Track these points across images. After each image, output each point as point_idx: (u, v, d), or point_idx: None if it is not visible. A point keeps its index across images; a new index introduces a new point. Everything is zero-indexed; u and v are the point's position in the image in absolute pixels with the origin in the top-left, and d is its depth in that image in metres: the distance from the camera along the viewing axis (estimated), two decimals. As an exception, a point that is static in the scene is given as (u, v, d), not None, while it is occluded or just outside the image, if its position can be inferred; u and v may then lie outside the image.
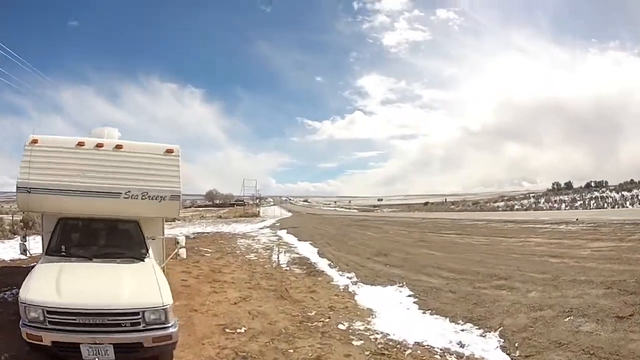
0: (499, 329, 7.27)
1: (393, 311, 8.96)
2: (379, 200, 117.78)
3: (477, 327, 7.56)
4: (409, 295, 9.87)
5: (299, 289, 10.97)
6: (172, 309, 5.74)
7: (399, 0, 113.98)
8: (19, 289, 5.73)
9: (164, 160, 7.35)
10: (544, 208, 54.01)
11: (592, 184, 66.61)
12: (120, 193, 7.01)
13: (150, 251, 7.23)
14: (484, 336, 7.20)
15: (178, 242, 8.05)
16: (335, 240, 21.54)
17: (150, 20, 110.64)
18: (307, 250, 18.53)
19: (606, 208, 44.73)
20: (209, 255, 16.41)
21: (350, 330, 7.78)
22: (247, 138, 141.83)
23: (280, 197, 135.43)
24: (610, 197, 53.22)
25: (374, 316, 8.62)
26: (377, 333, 7.64)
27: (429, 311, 8.69)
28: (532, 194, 72.92)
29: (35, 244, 8.66)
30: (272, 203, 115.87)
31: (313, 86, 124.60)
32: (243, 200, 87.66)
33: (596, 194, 57.22)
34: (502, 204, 67.29)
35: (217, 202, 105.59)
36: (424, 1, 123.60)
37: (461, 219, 30.48)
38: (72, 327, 5.26)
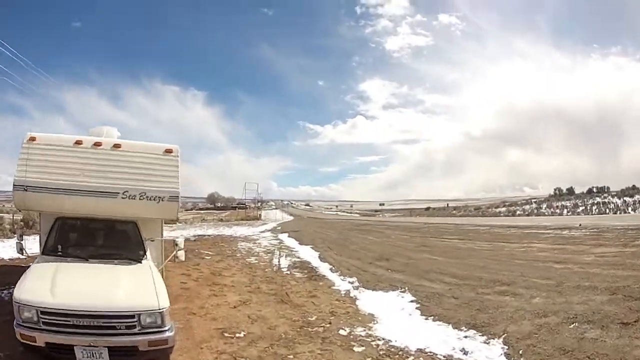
0: (503, 336, 7.15)
1: (395, 317, 8.83)
2: (380, 204, 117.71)
3: (480, 333, 7.43)
4: (411, 301, 9.73)
5: (300, 293, 10.84)
6: (168, 312, 5.63)
7: (401, 5, 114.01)
8: None
9: (163, 161, 7.23)
10: (546, 214, 53.98)
11: (594, 190, 66.57)
12: (118, 193, 6.89)
13: (148, 253, 7.11)
14: (487, 343, 7.08)
15: (177, 244, 7.92)
16: (336, 245, 21.43)
17: (153, 23, 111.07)
18: (308, 254, 18.40)
19: (608, 214, 44.72)
20: (209, 258, 16.30)
21: (351, 336, 7.66)
22: (249, 141, 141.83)
23: (281, 200, 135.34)
24: (612, 202, 53.23)
25: (375, 322, 8.49)
26: (378, 339, 7.52)
27: (432, 317, 8.55)
28: (534, 200, 72.98)
29: (35, 244, 8.56)
30: (273, 207, 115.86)
31: (315, 90, 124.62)
32: (244, 204, 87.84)
33: (598, 199, 57.28)
34: (503, 209, 67.33)
35: (219, 205, 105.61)
36: (426, 6, 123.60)
37: (463, 224, 30.43)
38: (66, 329, 5.16)
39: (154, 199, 7.01)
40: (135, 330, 5.37)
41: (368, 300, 10.09)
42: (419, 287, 10.79)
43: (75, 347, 5.15)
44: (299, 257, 17.39)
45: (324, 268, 14.66)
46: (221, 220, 52.77)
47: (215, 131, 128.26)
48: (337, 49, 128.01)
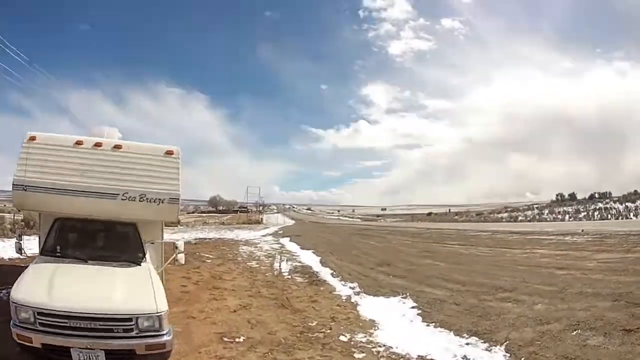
0: (505, 343, 7.09)
1: (396, 323, 8.77)
2: (382, 209, 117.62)
3: (482, 340, 7.37)
4: (413, 307, 9.67)
5: (301, 298, 10.79)
6: (167, 316, 5.58)
7: (404, 9, 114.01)
8: None
9: (163, 162, 7.18)
10: (548, 219, 53.88)
11: (596, 196, 66.32)
12: (118, 194, 6.85)
13: (147, 255, 7.06)
14: (489, 350, 7.02)
15: (177, 247, 7.86)
16: (338, 249, 21.33)
17: (158, 26, 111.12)
18: (309, 258, 18.31)
19: (610, 219, 44.62)
20: (210, 261, 16.25)
21: (352, 342, 7.61)
22: (252, 145, 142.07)
23: (283, 204, 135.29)
24: (614, 208, 53.12)
25: (376, 328, 8.44)
26: (379, 346, 7.46)
27: (433, 323, 8.49)
28: (536, 205, 72.74)
29: (35, 244, 8.51)
30: (275, 210, 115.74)
31: (318, 94, 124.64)
32: (246, 207, 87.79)
33: (600, 205, 57.12)
34: (505, 215, 67.19)
35: (221, 208, 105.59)
36: (429, 10, 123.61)
37: (465, 230, 30.33)
38: (63, 330, 5.13)
39: (154, 201, 6.96)
40: (133, 333, 5.33)
41: (369, 306, 10.03)
42: (420, 293, 10.72)
43: (71, 349, 5.11)
44: (300, 262, 17.31)
45: (325, 273, 14.59)
46: (223, 223, 52.70)
47: (218, 134, 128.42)
48: (340, 52, 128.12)
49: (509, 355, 6.73)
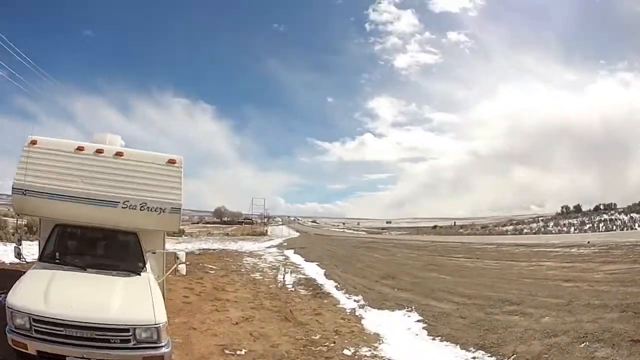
0: (513, 357, 6.96)
1: (401, 337, 8.64)
2: (387, 222, 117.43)
3: (489, 354, 7.24)
4: (418, 320, 9.54)
5: (304, 311, 10.66)
6: (165, 327, 5.46)
7: (411, 23, 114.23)
8: None
9: (165, 171, 7.11)
10: (553, 232, 53.74)
11: (601, 207, 65.95)
12: (118, 202, 6.76)
13: (148, 265, 6.95)
14: (496, 364, 6.90)
15: (178, 258, 7.75)
16: (342, 262, 21.27)
17: (164, 35, 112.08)
18: (313, 271, 18.23)
19: (615, 230, 44.39)
20: (213, 272, 16.15)
21: (356, 356, 7.48)
22: (257, 156, 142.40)
23: (288, 216, 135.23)
24: (620, 219, 52.87)
25: (381, 342, 8.30)
26: None
27: (439, 337, 8.35)
28: (541, 218, 72.42)
29: (36, 249, 8.45)
30: (280, 223, 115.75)
31: (324, 107, 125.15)
32: (251, 219, 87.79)
33: (605, 216, 56.84)
34: (511, 227, 67.01)
35: (225, 219, 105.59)
36: (435, 24, 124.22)
37: (471, 243, 30.22)
38: (59, 338, 5.03)
39: (155, 210, 6.88)
40: (130, 344, 5.22)
41: (374, 319, 9.90)
42: (426, 306, 10.60)
43: (67, 358, 5.01)
44: (304, 274, 17.22)
45: (329, 286, 14.48)
46: (227, 234, 52.67)
47: (223, 145, 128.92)
48: (346, 65, 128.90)
49: (516, 369, 6.59)
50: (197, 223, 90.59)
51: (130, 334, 5.22)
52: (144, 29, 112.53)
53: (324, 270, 18.34)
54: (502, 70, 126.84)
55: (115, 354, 5.14)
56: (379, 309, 10.84)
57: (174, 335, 7.30)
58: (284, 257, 24.17)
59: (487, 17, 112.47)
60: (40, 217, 7.45)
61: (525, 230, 59.48)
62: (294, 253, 26.72)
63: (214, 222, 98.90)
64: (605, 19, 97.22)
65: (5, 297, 5.44)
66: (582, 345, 6.83)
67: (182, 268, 7.76)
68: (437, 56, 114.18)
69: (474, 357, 7.22)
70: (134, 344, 5.23)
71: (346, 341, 8.26)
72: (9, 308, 5.15)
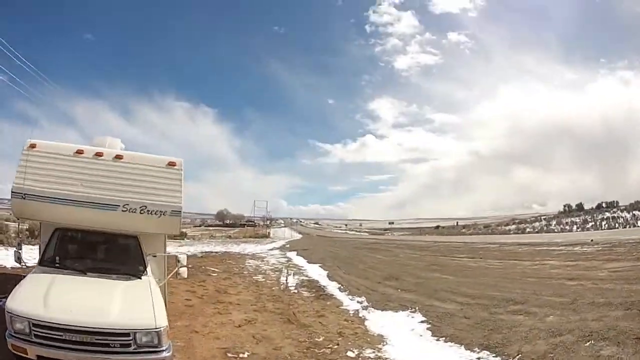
0: (518, 357, 6.91)
1: (405, 338, 8.59)
2: (389, 223, 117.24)
3: (494, 354, 7.19)
4: (422, 321, 9.49)
5: (307, 312, 10.62)
6: (166, 331, 5.42)
7: (411, 24, 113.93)
8: None
9: (165, 174, 7.04)
10: (556, 230, 53.64)
11: (603, 205, 65.73)
12: (118, 205, 6.70)
13: (148, 269, 6.91)
14: (501, 364, 6.85)
15: (179, 261, 7.70)
16: (345, 263, 21.20)
17: (164, 38, 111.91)
18: (316, 272, 18.17)
19: (618, 228, 44.34)
20: (215, 275, 16.12)
21: (360, 358, 7.45)
22: (259, 159, 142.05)
23: (290, 218, 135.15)
24: (622, 217, 52.72)
25: (385, 343, 8.26)
26: (387, 361, 7.28)
27: (443, 338, 8.31)
28: (543, 217, 72.23)
29: (37, 253, 8.43)
30: (282, 225, 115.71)
31: (325, 109, 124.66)
32: (253, 221, 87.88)
33: (607, 214, 56.66)
34: (513, 227, 66.85)
35: (228, 222, 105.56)
36: (435, 24, 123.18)
37: (473, 242, 30.15)
38: (59, 343, 5.01)
39: (155, 213, 6.81)
40: (130, 349, 5.19)
41: (377, 321, 9.86)
42: (429, 307, 10.55)
43: None
44: (307, 276, 17.17)
45: (332, 287, 14.43)
46: (230, 237, 52.76)
47: (225, 148, 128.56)
48: (346, 67, 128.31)
49: (522, 369, 6.54)
50: (200, 226, 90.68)
51: (130, 338, 5.18)
52: (145, 32, 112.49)
53: (327, 271, 18.29)
54: (503, 70, 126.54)
55: (116, 358, 5.11)
56: (382, 310, 10.78)
57: (175, 339, 7.26)
58: (286, 259, 24.12)
59: (487, 17, 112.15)
60: (40, 221, 7.40)
61: (527, 230, 59.38)
62: (297, 255, 26.66)
63: (216, 225, 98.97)
64: (606, 19, 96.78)
65: (5, 302, 5.41)
66: (588, 344, 6.78)
67: (184, 271, 7.70)
68: (438, 57, 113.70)
69: (478, 358, 7.18)
70: (134, 349, 5.19)
71: (350, 343, 8.22)
72: (9, 313, 5.12)
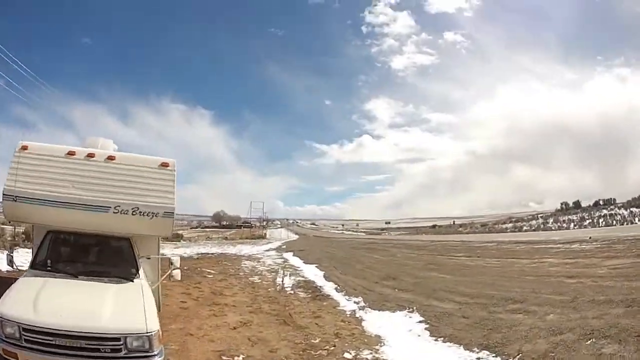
0: (518, 356, 6.82)
1: (403, 338, 8.49)
2: (386, 223, 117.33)
3: (494, 354, 7.09)
4: (420, 321, 9.40)
5: (303, 314, 10.51)
6: (157, 336, 5.29)
7: (407, 24, 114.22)
8: None
9: (158, 175, 6.92)
10: (553, 228, 53.91)
11: (601, 202, 66.00)
12: (110, 207, 6.57)
13: (141, 271, 6.78)
14: (501, 365, 6.76)
15: (172, 263, 7.55)
16: (342, 264, 21.14)
17: (162, 41, 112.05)
18: (312, 273, 18.13)
19: (615, 225, 44.51)
20: (211, 276, 16.04)
21: None
22: (256, 160, 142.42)
23: (287, 219, 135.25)
24: (619, 214, 53.06)
25: (382, 344, 8.15)
26: (386, 362, 7.17)
27: (442, 338, 8.20)
28: (540, 215, 72.51)
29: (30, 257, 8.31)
30: (279, 225, 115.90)
31: (322, 109, 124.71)
32: (250, 222, 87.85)
33: (605, 212, 56.94)
34: (510, 225, 67.07)
35: (224, 223, 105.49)
36: (431, 24, 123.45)
37: (470, 241, 30.13)
38: (49, 348, 4.88)
39: (147, 215, 6.68)
40: (121, 354, 5.05)
41: (374, 321, 9.75)
42: (427, 306, 10.46)
43: None
44: (303, 277, 17.11)
45: (328, 288, 14.35)
46: (226, 238, 52.66)
47: (221, 150, 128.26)
48: (343, 68, 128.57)
49: (522, 369, 6.46)
50: (196, 227, 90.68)
51: (121, 343, 5.04)
52: (141, 35, 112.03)
53: (323, 272, 18.23)
54: (500, 70, 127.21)
55: None
56: (379, 311, 10.69)
57: (170, 342, 7.15)
58: (282, 260, 24.08)
59: (483, 17, 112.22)
60: (31, 223, 7.31)
61: (524, 228, 59.64)
62: (293, 255, 26.62)
63: (213, 227, 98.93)
64: (603, 17, 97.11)
65: None
66: (589, 342, 6.71)
67: (177, 273, 7.55)
68: (434, 57, 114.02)
69: (478, 358, 7.08)
70: (125, 353, 5.05)
71: (347, 344, 8.11)
72: None
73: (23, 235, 20.57)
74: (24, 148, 6.66)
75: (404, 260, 21.39)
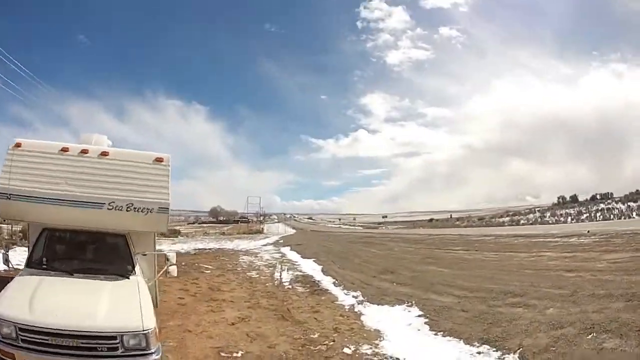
0: (519, 350, 6.77)
1: (402, 333, 8.45)
2: (383, 217, 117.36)
3: (494, 348, 7.04)
4: (419, 315, 9.35)
5: (302, 308, 10.47)
6: (154, 333, 5.22)
7: (402, 19, 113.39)
8: None
9: (152, 170, 6.82)
10: (550, 222, 54.00)
11: (598, 197, 66.02)
12: (104, 203, 6.49)
13: (138, 268, 6.70)
14: (502, 358, 6.71)
15: (168, 259, 7.46)
16: (339, 258, 21.07)
17: (157, 38, 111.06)
18: (310, 267, 18.09)
19: (613, 219, 44.60)
20: (209, 272, 15.98)
21: (356, 355, 7.29)
22: (252, 156, 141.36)
23: (284, 214, 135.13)
24: (617, 208, 53.11)
25: (382, 338, 8.11)
26: (386, 357, 7.15)
27: (441, 332, 8.16)
28: (538, 208, 72.50)
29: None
30: (276, 220, 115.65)
31: (317, 105, 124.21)
32: (247, 217, 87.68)
33: (602, 206, 57.00)
34: (507, 219, 67.08)
35: (221, 218, 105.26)
36: (426, 19, 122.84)
37: (468, 235, 30.09)
38: (46, 348, 4.81)
39: (141, 211, 6.59)
40: (118, 352, 4.98)
41: (373, 315, 9.73)
42: (426, 300, 10.40)
43: None
44: (301, 271, 17.07)
45: (327, 282, 14.32)
46: (223, 233, 52.62)
47: (217, 145, 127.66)
48: (338, 63, 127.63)
49: (523, 363, 6.41)
50: (193, 223, 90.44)
51: (117, 341, 4.98)
52: (137, 32, 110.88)
53: (321, 266, 18.18)
54: (495, 65, 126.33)
55: None
56: (378, 305, 10.64)
57: (167, 339, 7.10)
58: (280, 255, 24.05)
59: (479, 12, 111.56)
60: (26, 221, 7.21)
61: (522, 221, 59.68)
62: (290, 250, 26.58)
63: (210, 222, 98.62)
64: (599, 12, 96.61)
65: None
66: (590, 336, 6.65)
67: (173, 269, 7.48)
68: (429, 52, 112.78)
69: (479, 352, 7.03)
70: (122, 352, 4.99)
71: (346, 339, 8.07)
72: None
73: (20, 234, 20.46)
74: (18, 145, 6.60)
75: (401, 254, 21.32)
